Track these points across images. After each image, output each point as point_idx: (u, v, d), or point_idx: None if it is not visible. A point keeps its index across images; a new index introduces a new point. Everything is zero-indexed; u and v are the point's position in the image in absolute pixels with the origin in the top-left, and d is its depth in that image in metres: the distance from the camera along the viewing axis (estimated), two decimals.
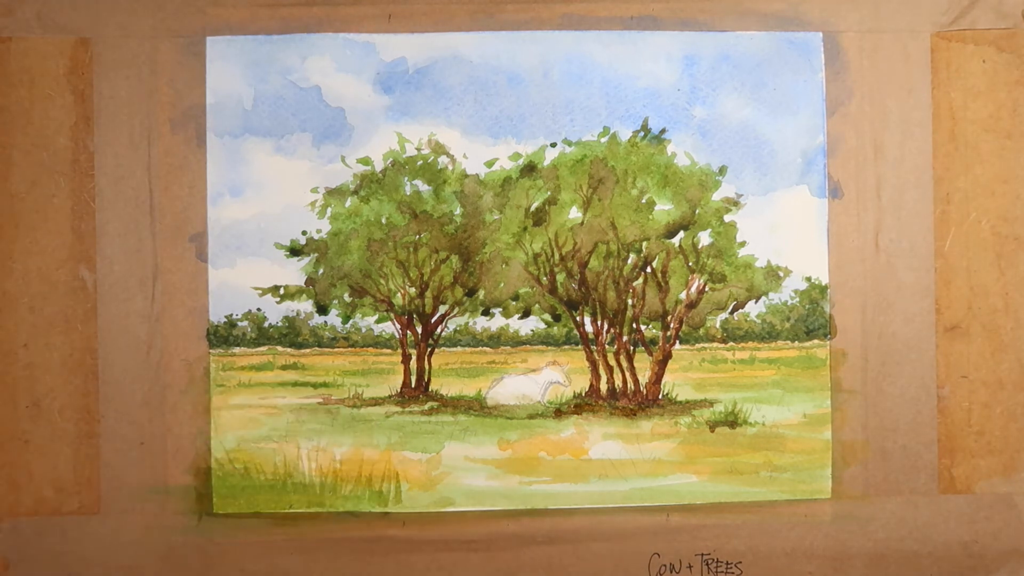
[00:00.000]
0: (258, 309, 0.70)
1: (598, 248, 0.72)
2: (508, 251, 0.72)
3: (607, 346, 0.72)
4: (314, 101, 0.70)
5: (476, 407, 0.71)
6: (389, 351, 0.71)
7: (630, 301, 0.72)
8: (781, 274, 0.71)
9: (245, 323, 0.70)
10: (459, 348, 0.72)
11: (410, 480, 0.70)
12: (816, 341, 0.71)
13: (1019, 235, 0.70)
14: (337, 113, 0.70)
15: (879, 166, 0.70)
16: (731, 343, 0.72)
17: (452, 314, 0.72)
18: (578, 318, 0.72)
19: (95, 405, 0.69)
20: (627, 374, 0.72)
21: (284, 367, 0.71)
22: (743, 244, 0.72)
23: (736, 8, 0.70)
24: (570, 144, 0.71)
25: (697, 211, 0.72)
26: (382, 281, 0.72)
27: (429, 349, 0.72)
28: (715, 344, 0.72)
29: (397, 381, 0.71)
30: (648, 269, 0.72)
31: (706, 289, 0.72)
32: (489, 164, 0.71)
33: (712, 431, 0.71)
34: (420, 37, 0.70)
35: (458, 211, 0.71)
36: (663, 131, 0.71)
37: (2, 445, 0.69)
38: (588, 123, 0.71)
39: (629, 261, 0.72)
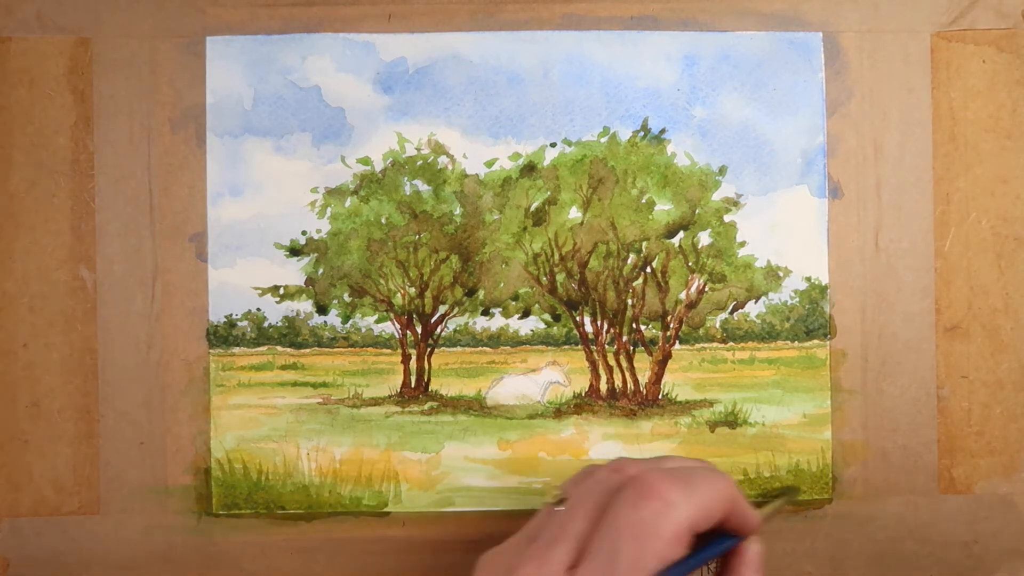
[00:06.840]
0: (258, 309, 0.70)
1: (598, 248, 0.71)
2: (508, 251, 0.71)
3: (607, 346, 0.72)
4: (314, 101, 0.70)
5: (476, 407, 0.71)
6: (389, 351, 0.71)
7: (630, 301, 0.72)
8: (781, 274, 0.71)
9: (245, 323, 0.70)
10: (459, 348, 0.71)
11: (410, 480, 0.70)
12: (816, 341, 0.71)
13: (1019, 235, 0.70)
14: (337, 113, 0.70)
15: (879, 166, 0.70)
16: (731, 343, 0.72)
17: (452, 314, 0.72)
18: (578, 318, 0.72)
19: (95, 405, 0.69)
20: (627, 374, 0.72)
21: (284, 367, 0.71)
22: (743, 244, 0.71)
23: (736, 8, 0.70)
24: (570, 144, 0.71)
25: (697, 211, 0.71)
26: (382, 281, 0.71)
27: (429, 349, 0.71)
28: (715, 344, 0.72)
29: (397, 381, 0.71)
30: (648, 269, 0.72)
31: (706, 289, 0.72)
32: (489, 164, 0.71)
33: (712, 431, 0.71)
34: (420, 37, 0.70)
35: (458, 211, 0.71)
36: (663, 131, 0.71)
37: (2, 445, 0.69)
38: (588, 123, 0.71)
39: (629, 261, 0.72)
